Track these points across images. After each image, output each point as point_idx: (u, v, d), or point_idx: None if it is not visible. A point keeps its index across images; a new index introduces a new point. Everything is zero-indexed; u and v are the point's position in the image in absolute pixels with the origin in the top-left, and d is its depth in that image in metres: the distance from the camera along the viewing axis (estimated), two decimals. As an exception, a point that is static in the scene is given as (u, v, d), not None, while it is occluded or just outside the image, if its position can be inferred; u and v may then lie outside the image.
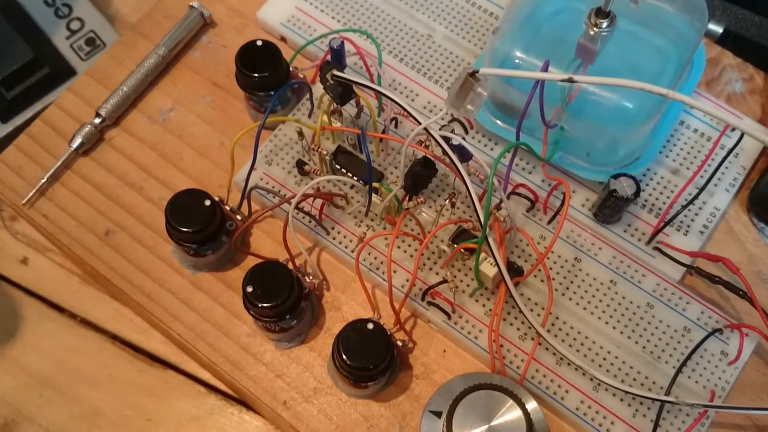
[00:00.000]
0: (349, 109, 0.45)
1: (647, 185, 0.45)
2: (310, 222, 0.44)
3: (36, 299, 0.50)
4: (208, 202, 0.42)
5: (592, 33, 0.39)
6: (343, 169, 0.44)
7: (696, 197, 0.42)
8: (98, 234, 0.45)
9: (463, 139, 0.39)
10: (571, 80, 0.35)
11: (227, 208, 0.44)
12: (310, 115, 0.47)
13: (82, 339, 0.49)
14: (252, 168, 0.43)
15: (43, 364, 0.48)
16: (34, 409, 0.47)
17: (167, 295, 0.44)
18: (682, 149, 0.46)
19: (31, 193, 0.46)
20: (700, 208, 0.45)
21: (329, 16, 0.49)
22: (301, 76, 0.47)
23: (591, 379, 0.41)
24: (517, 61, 0.42)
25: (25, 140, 0.48)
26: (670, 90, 0.33)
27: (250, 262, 0.44)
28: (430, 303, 0.42)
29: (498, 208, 0.41)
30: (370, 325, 0.39)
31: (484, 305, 0.42)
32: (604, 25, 0.39)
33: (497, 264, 0.39)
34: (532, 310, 0.42)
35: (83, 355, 0.48)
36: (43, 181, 0.46)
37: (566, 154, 0.44)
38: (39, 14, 0.56)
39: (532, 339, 0.42)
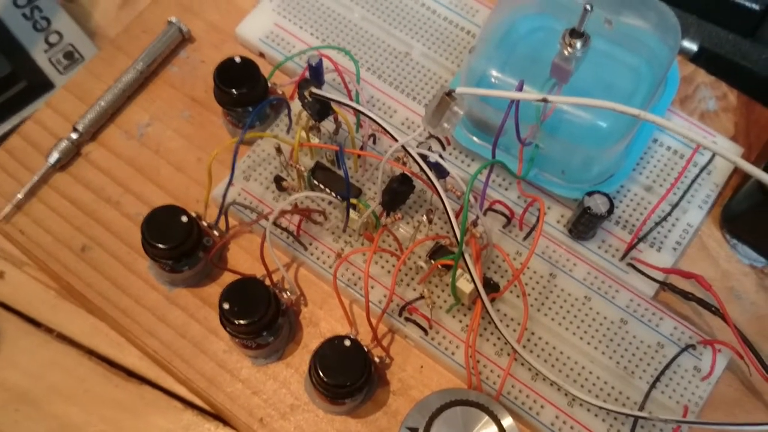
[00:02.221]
0: (328, 125, 0.45)
1: (621, 202, 0.45)
2: (287, 238, 0.44)
3: (12, 314, 0.49)
4: (184, 219, 0.42)
5: (566, 53, 0.39)
6: (321, 185, 0.44)
7: (669, 214, 0.43)
8: (74, 250, 0.45)
9: (440, 155, 0.39)
10: (545, 100, 0.36)
11: (204, 223, 0.44)
12: (288, 131, 0.47)
13: (58, 353, 0.48)
14: (230, 184, 0.43)
15: (19, 378, 0.48)
16: (10, 425, 0.46)
17: (143, 311, 0.44)
18: (655, 166, 0.46)
19: (8, 209, 0.46)
20: (673, 225, 0.45)
21: (308, 33, 0.50)
22: (280, 92, 0.48)
23: (566, 395, 0.41)
24: (493, 80, 0.43)
25: (2, 155, 0.47)
26: (641, 111, 0.34)
27: (227, 278, 0.44)
28: (407, 319, 0.42)
29: (474, 224, 0.41)
30: (347, 342, 0.39)
31: (460, 321, 0.42)
32: (579, 45, 0.39)
33: (473, 280, 0.39)
34: (508, 326, 0.42)
35: (59, 370, 0.48)
36: (19, 196, 0.46)
37: (541, 172, 0.45)
38: (17, 27, 0.56)
39: (508, 354, 0.42)
